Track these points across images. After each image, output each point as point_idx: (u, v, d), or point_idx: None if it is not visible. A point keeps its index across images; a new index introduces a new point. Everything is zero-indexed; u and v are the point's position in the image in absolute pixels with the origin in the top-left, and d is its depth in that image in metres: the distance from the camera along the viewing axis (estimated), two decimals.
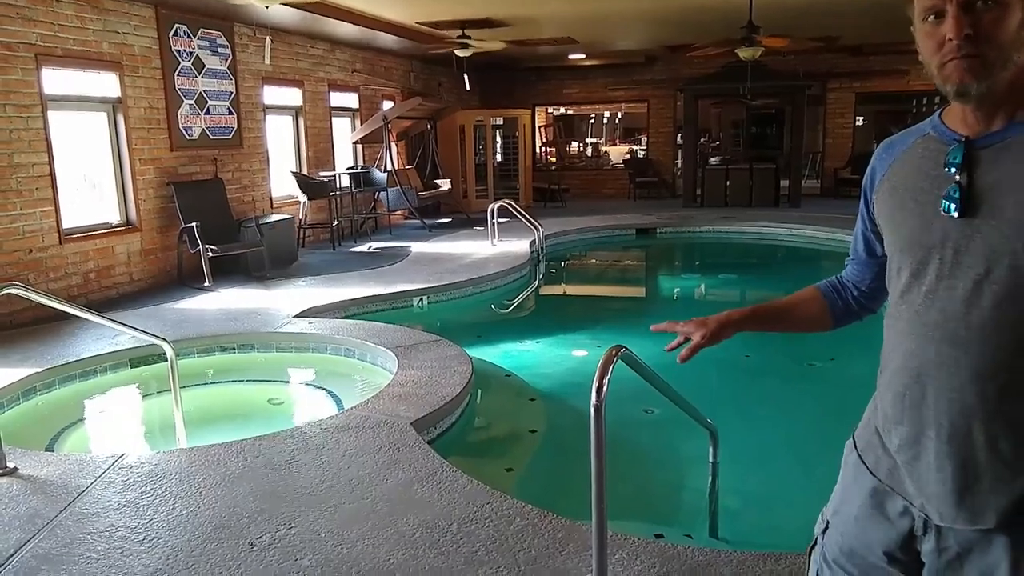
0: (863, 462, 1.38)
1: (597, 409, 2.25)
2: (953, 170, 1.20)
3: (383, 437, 3.77)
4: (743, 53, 8.44)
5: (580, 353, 6.45)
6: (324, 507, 3.11)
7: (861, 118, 16.50)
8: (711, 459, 3.83)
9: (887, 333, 1.35)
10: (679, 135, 16.57)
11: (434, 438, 4.04)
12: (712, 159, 15.72)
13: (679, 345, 1.56)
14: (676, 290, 10.11)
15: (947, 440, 1.21)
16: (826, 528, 1.44)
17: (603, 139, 22.68)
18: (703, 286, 10.26)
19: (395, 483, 3.29)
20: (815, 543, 1.47)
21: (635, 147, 19.46)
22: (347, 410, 4.30)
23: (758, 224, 11.85)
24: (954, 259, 1.20)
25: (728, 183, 14.36)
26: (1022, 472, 1.17)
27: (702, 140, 17.83)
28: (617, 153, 20.22)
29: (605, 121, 22.93)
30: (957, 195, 1.19)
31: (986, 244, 1.16)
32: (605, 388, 2.24)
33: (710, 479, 3.84)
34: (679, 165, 16.38)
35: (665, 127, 16.94)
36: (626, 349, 2.47)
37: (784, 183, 14.40)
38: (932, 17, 1.18)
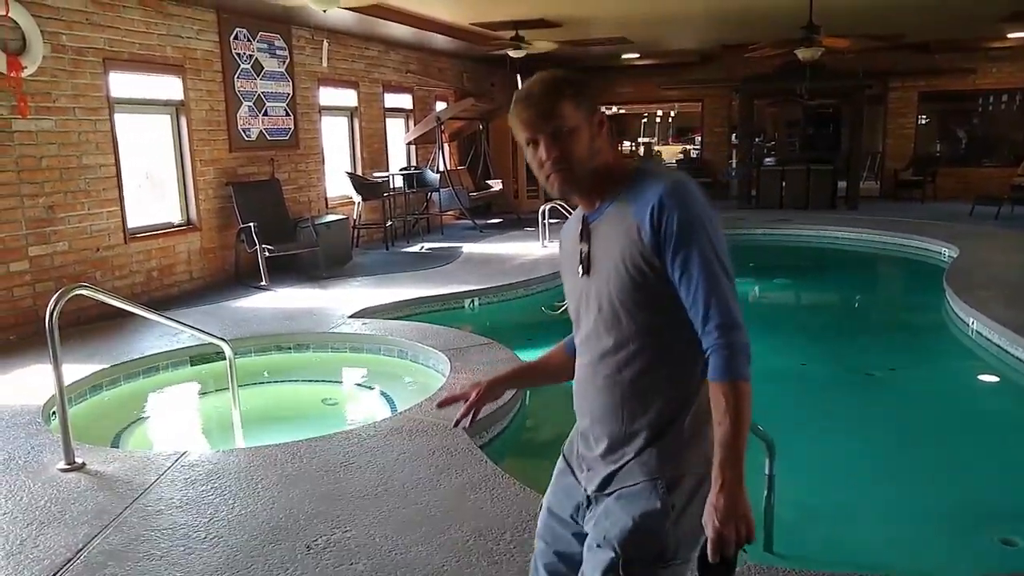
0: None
1: None
2: (582, 238, 1.64)
3: (436, 441, 3.80)
4: (803, 54, 8.27)
5: None
6: (378, 511, 3.14)
7: (924, 117, 16.03)
8: (767, 471, 3.75)
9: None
10: (734, 135, 16.33)
11: (486, 443, 4.05)
12: (767, 159, 15.44)
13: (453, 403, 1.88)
14: None
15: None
16: None
17: (656, 138, 22.49)
18: (757, 290, 10.09)
19: (448, 488, 3.31)
20: None
21: (688, 147, 19.25)
22: (400, 413, 4.35)
23: (815, 227, 11.60)
24: (587, 309, 1.63)
25: (784, 184, 14.09)
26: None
27: (757, 140, 17.54)
28: (670, 152, 20.04)
29: (658, 120, 22.72)
30: (583, 258, 1.63)
31: (595, 293, 1.60)
32: None
33: (766, 492, 3.76)
34: (733, 165, 16.14)
35: (719, 127, 16.71)
36: None
37: (842, 184, 14.08)
38: (531, 145, 1.58)
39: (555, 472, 1.81)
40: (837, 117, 18.59)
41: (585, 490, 1.67)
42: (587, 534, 1.65)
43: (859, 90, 13.75)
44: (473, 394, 1.80)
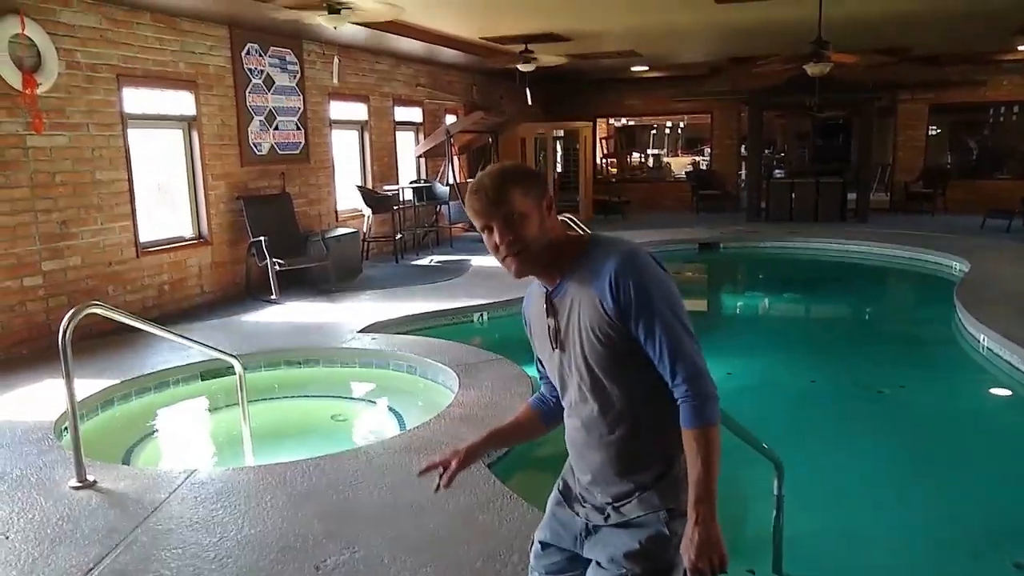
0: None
1: None
2: (547, 315, 1.74)
3: None
4: (811, 69, 8.26)
5: None
6: (387, 531, 3.15)
7: (935, 128, 15.98)
8: (775, 492, 3.74)
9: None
10: (743, 147, 16.32)
11: (494, 461, 4.05)
12: (777, 171, 15.42)
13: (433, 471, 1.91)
14: (740, 307, 9.95)
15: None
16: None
17: (665, 150, 22.48)
18: (766, 303, 10.07)
19: (456, 509, 3.32)
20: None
21: (698, 158, 19.24)
22: (409, 431, 4.36)
23: (824, 239, 11.58)
24: (570, 378, 1.74)
25: (793, 196, 14.08)
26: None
27: (767, 152, 17.53)
28: (679, 164, 19.98)
29: (667, 132, 22.73)
30: (554, 334, 1.74)
31: (573, 364, 1.71)
32: None
33: (774, 512, 3.74)
34: (743, 177, 16.12)
35: (729, 139, 16.71)
36: None
37: (852, 197, 14.04)
38: (486, 232, 1.68)
39: (550, 506, 1.91)
40: (847, 129, 18.54)
41: (587, 522, 1.79)
42: (584, 558, 1.79)
43: (869, 102, 13.74)
44: (453, 463, 1.88)
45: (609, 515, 1.75)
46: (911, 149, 15.57)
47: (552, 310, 1.73)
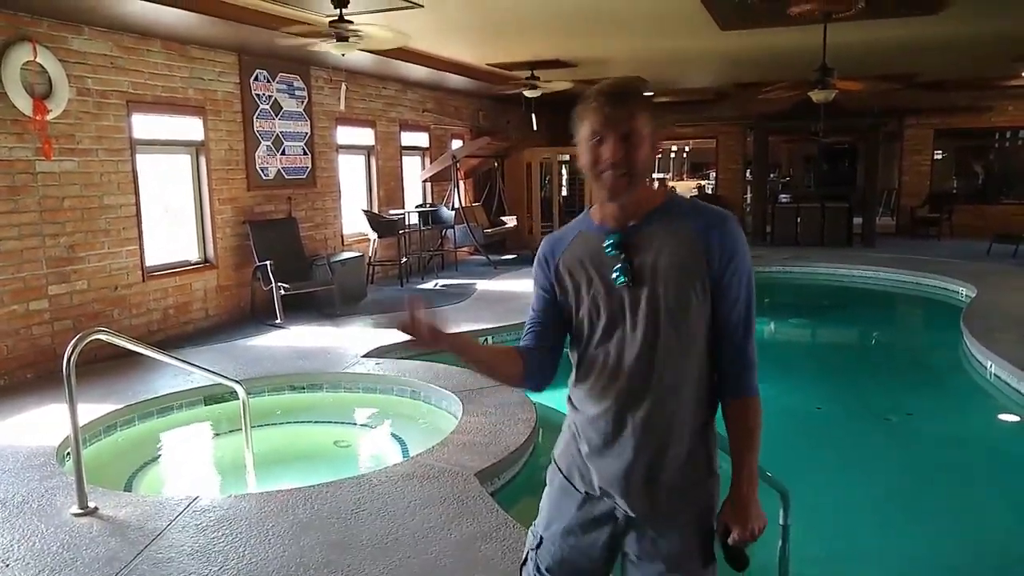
0: (570, 481, 1.81)
1: None
2: (615, 251, 1.67)
3: (447, 488, 3.78)
4: (816, 96, 8.29)
5: None
6: (389, 561, 3.13)
7: (940, 152, 16.00)
8: (781, 521, 3.71)
9: (580, 378, 1.78)
10: (748, 171, 16.36)
11: (497, 489, 4.03)
12: (782, 196, 15.44)
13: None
14: None
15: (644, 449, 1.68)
16: (539, 544, 1.83)
17: (670, 174, 22.56)
18: (772, 328, 10.04)
19: (459, 538, 3.30)
20: (526, 560, 1.87)
21: (703, 182, 19.29)
22: (412, 457, 4.34)
23: (830, 264, 11.56)
24: (632, 315, 1.67)
25: (799, 221, 14.09)
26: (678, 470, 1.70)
27: (772, 176, 17.57)
28: (684, 188, 20.07)
29: (672, 156, 22.82)
30: (625, 269, 1.66)
31: (649, 301, 1.65)
32: None
33: (780, 543, 3.71)
34: (748, 201, 16.14)
35: (734, 163, 16.75)
36: None
37: (857, 221, 14.04)
38: (594, 140, 1.62)
39: (556, 498, 1.84)
40: (853, 153, 18.59)
41: (627, 513, 1.72)
42: (627, 554, 1.76)
43: (875, 128, 13.77)
44: (425, 331, 1.66)
45: (653, 509, 1.70)
46: (917, 173, 15.59)
47: (630, 246, 1.67)
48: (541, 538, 1.83)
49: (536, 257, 1.84)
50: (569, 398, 1.82)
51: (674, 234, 1.66)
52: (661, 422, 1.66)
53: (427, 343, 1.68)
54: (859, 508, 4.26)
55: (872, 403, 6.18)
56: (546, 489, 1.88)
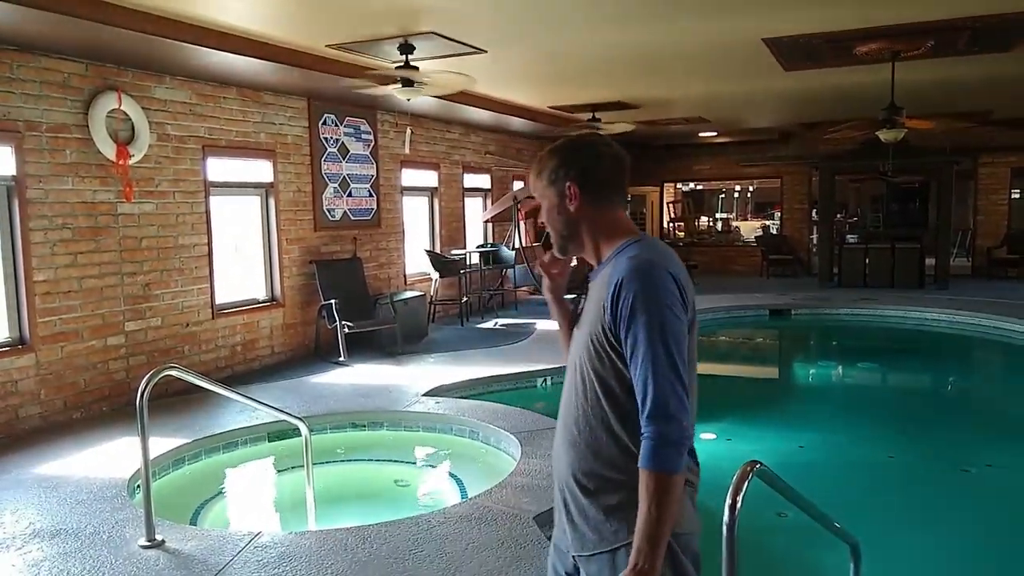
0: None
1: (730, 528, 2.15)
2: (577, 292, 1.88)
3: (505, 531, 3.75)
4: (884, 136, 8.11)
5: (709, 438, 6.19)
6: None
7: (1018, 191, 15.43)
8: (852, 575, 3.57)
9: None
10: (814, 211, 16.05)
11: None
12: (850, 237, 15.08)
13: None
14: (812, 376, 9.64)
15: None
16: None
17: (734, 214, 22.30)
18: (840, 371, 9.74)
19: None
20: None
21: (768, 222, 19.00)
22: (471, 499, 4.33)
23: (902, 307, 11.18)
24: (570, 355, 1.85)
25: (868, 262, 13.72)
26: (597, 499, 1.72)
27: (839, 216, 17.19)
28: (748, 228, 19.79)
29: (736, 195, 22.58)
30: (576, 310, 1.84)
31: (575, 344, 1.81)
32: (739, 506, 2.15)
33: None
34: (814, 242, 15.82)
35: (800, 203, 16.47)
36: (761, 465, 2.35)
37: (930, 262, 13.60)
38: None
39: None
40: (924, 192, 18.07)
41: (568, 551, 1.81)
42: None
43: (947, 166, 13.39)
44: (559, 276, 2.03)
45: (580, 545, 1.74)
46: (993, 213, 15.05)
47: (587, 289, 1.81)
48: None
49: None
50: None
51: (601, 280, 1.70)
52: (576, 470, 1.76)
53: (555, 282, 2.01)
54: (934, 562, 4.06)
55: (948, 453, 5.92)
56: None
